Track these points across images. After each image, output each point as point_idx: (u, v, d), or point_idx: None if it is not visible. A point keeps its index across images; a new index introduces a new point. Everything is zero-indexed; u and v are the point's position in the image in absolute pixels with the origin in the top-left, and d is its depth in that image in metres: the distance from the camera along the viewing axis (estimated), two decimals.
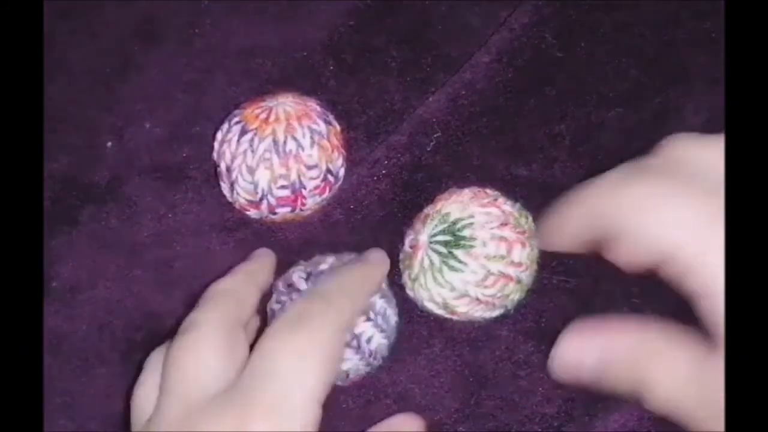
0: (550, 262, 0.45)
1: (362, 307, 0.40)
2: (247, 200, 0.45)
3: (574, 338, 0.35)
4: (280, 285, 0.42)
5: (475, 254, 0.40)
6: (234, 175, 0.44)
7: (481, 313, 0.42)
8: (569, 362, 0.35)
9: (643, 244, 0.32)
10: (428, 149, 0.48)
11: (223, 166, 0.45)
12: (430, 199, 0.47)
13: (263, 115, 0.44)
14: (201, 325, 0.37)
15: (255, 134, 0.44)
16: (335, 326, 0.36)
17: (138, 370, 0.38)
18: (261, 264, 0.43)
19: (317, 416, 0.35)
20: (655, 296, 0.44)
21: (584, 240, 0.35)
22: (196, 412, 0.34)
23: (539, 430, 0.42)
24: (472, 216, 0.41)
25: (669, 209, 0.32)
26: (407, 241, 0.42)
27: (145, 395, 0.37)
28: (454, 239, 0.40)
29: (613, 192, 0.34)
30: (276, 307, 0.41)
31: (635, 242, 0.33)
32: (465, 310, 0.41)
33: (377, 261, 0.42)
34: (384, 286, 0.42)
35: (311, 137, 0.44)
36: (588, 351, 0.34)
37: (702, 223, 0.31)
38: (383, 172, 0.47)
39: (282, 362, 0.34)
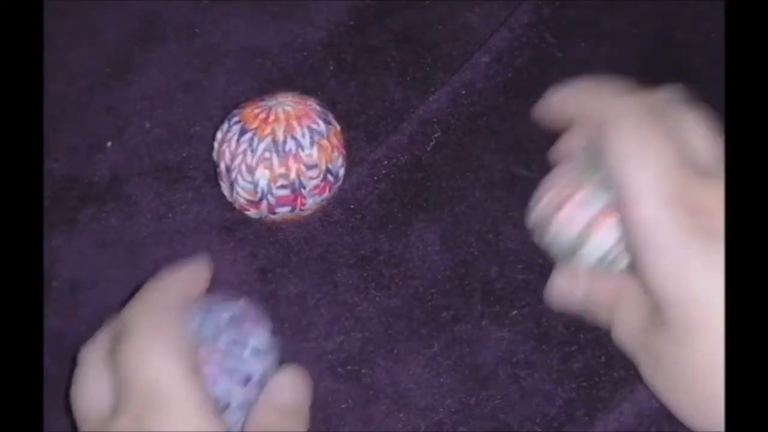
0: (549, 262, 0.45)
1: (185, 303, 0.39)
2: (246, 200, 0.45)
3: (565, 274, 0.40)
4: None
5: None
6: (234, 175, 0.44)
7: None
8: (562, 292, 0.40)
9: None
10: (428, 149, 0.48)
11: (222, 166, 0.45)
12: (430, 199, 0.47)
13: (263, 115, 0.44)
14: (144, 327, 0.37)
15: (255, 134, 0.44)
16: (162, 324, 0.37)
17: None
18: (197, 272, 0.41)
19: (194, 385, 0.36)
20: None
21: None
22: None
23: (539, 430, 0.42)
24: None
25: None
26: None
27: (89, 394, 0.37)
28: None
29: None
30: None
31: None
32: None
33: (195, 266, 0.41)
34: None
35: (311, 137, 0.44)
36: (576, 289, 0.40)
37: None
38: (383, 172, 0.47)
39: (142, 363, 0.36)
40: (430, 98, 0.49)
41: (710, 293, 0.33)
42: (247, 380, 0.38)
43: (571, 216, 0.39)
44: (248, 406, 0.38)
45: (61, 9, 0.53)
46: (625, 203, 0.36)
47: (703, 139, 0.38)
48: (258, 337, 0.39)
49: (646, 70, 0.49)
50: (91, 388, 0.37)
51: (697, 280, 0.34)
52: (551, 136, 0.48)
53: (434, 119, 0.48)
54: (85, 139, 0.50)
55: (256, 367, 0.38)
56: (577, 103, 0.40)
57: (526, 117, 0.49)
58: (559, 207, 0.39)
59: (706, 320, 0.33)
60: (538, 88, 0.49)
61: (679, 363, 0.35)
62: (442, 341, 0.44)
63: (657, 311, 0.35)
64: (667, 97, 0.38)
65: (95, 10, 0.54)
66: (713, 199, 0.34)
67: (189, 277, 0.40)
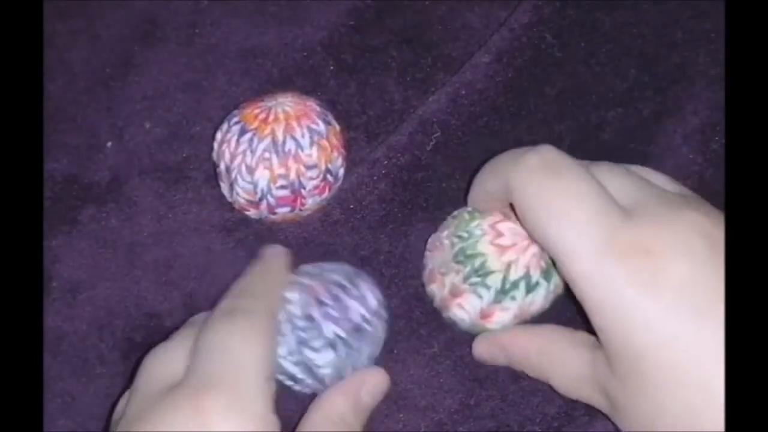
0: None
1: (279, 296, 0.40)
2: (246, 200, 0.45)
3: (486, 342, 0.42)
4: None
5: None
6: (233, 176, 0.45)
7: None
8: (484, 357, 0.42)
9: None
10: (428, 149, 0.48)
11: (222, 167, 0.45)
12: (430, 199, 0.47)
13: (262, 115, 0.44)
14: (248, 312, 0.38)
15: (254, 134, 0.44)
16: (265, 313, 0.38)
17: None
18: (279, 262, 0.42)
19: (271, 390, 0.36)
20: None
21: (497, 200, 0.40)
22: None
23: (539, 430, 0.42)
24: None
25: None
26: None
27: (168, 358, 0.38)
28: None
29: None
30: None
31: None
32: None
33: (275, 253, 0.42)
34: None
35: (311, 137, 0.44)
36: (500, 354, 0.41)
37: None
38: (383, 172, 0.47)
39: (228, 342, 0.36)
40: (430, 98, 0.49)
41: (658, 345, 0.34)
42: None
43: (461, 311, 0.41)
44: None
45: (61, 9, 0.53)
46: (559, 261, 0.36)
47: (619, 178, 0.37)
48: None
49: (646, 70, 0.49)
50: (171, 353, 0.38)
51: (641, 335, 0.34)
52: (551, 136, 0.48)
53: (434, 119, 0.48)
54: (85, 139, 0.50)
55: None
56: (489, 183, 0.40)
57: (526, 117, 0.49)
58: (450, 299, 0.41)
59: (660, 373, 0.34)
60: (538, 88, 0.49)
61: (636, 410, 0.36)
62: (442, 341, 0.44)
63: (598, 361, 0.37)
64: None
65: (95, 10, 0.54)
66: (649, 237, 0.34)
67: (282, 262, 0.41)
